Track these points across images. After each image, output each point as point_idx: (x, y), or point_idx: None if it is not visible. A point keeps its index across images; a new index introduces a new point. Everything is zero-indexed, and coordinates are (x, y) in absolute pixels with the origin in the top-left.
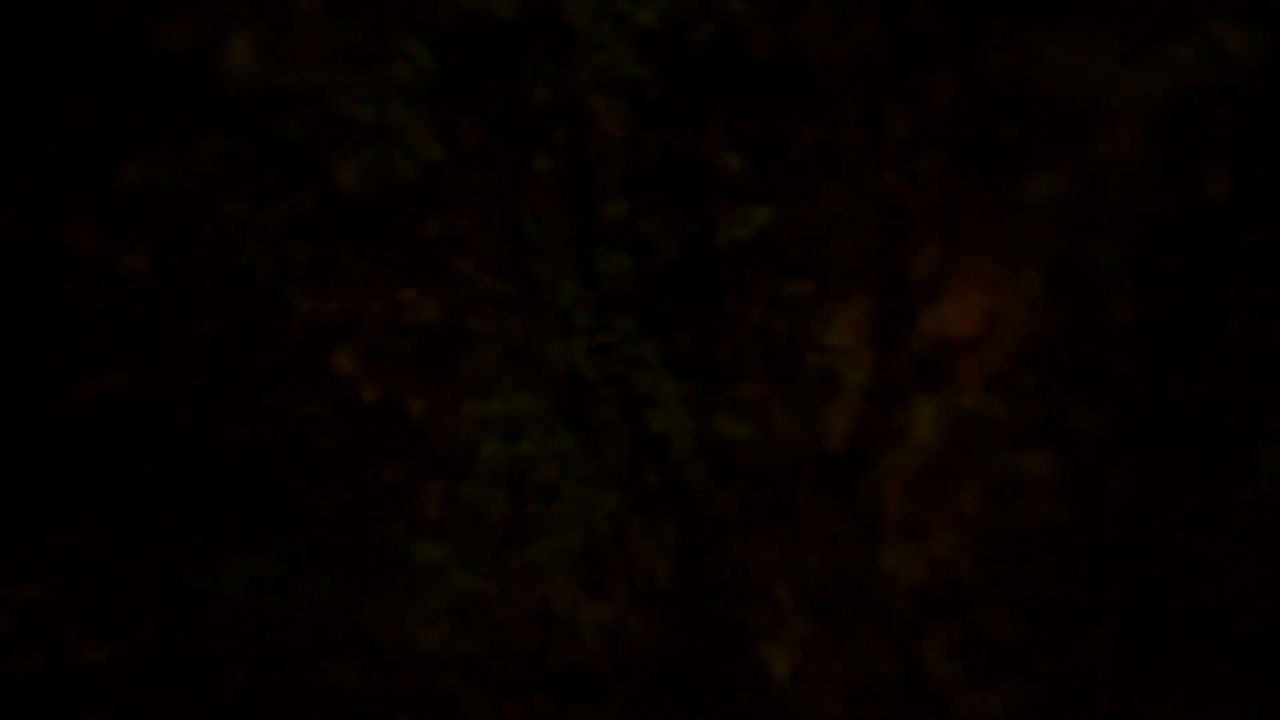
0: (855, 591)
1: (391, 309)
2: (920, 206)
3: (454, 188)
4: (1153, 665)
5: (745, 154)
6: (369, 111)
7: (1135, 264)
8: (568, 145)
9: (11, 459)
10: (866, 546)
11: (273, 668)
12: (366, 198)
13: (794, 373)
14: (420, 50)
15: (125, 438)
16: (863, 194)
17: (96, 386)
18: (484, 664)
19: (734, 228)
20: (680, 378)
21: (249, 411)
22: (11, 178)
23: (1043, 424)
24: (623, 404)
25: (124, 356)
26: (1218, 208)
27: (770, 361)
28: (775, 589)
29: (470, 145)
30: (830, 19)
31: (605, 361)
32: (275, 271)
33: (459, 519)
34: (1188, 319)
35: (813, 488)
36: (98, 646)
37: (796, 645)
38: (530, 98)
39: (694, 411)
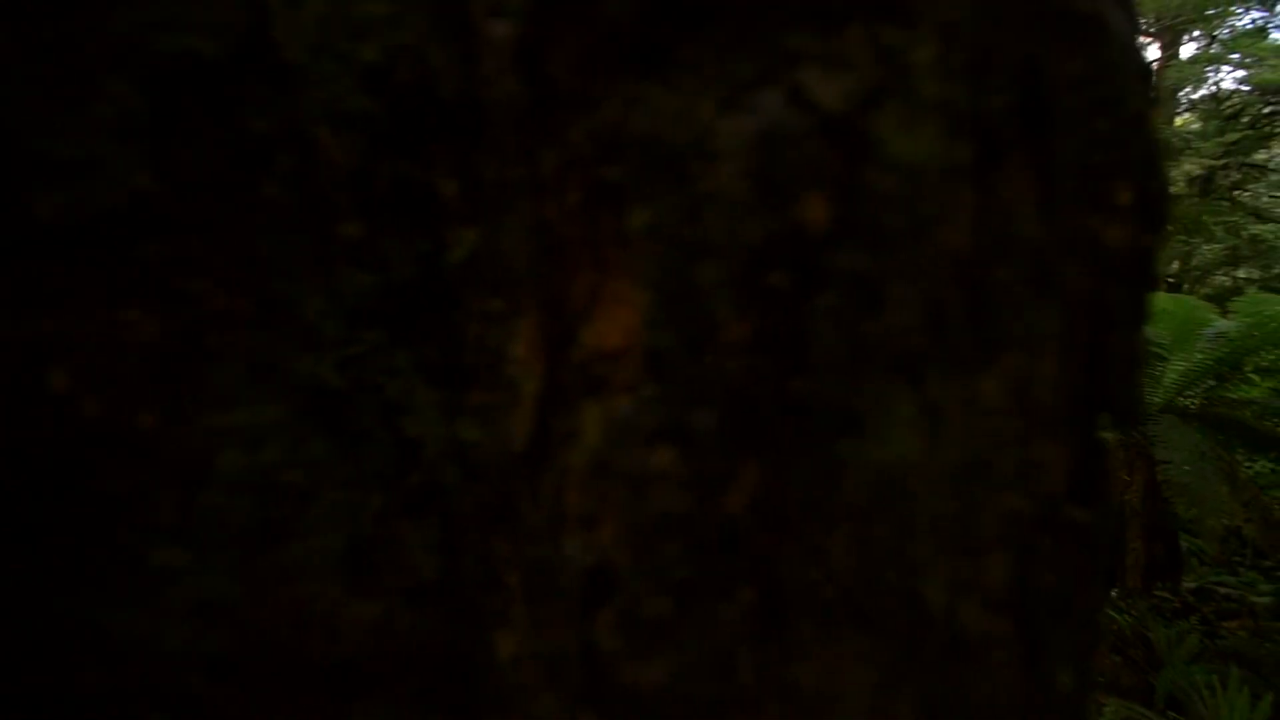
0: (548, 578)
1: (111, 329)
2: (573, 234)
3: (175, 213)
4: (781, 633)
5: (459, 181)
6: (68, 148)
7: (738, 284)
8: (295, 172)
9: None
10: (553, 537)
11: (10, 671)
12: (74, 225)
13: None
14: (126, 88)
15: None
16: (529, 222)
17: None
18: (235, 663)
19: (454, 249)
20: (432, 385)
21: None
22: None
23: (666, 425)
24: (380, 411)
25: None
26: (814, 232)
27: (490, 371)
28: (508, 578)
29: (189, 174)
30: (493, 69)
31: (358, 372)
32: None
33: (198, 525)
34: (788, 331)
35: (525, 486)
36: None
37: (518, 629)
38: (251, 129)
39: (444, 417)
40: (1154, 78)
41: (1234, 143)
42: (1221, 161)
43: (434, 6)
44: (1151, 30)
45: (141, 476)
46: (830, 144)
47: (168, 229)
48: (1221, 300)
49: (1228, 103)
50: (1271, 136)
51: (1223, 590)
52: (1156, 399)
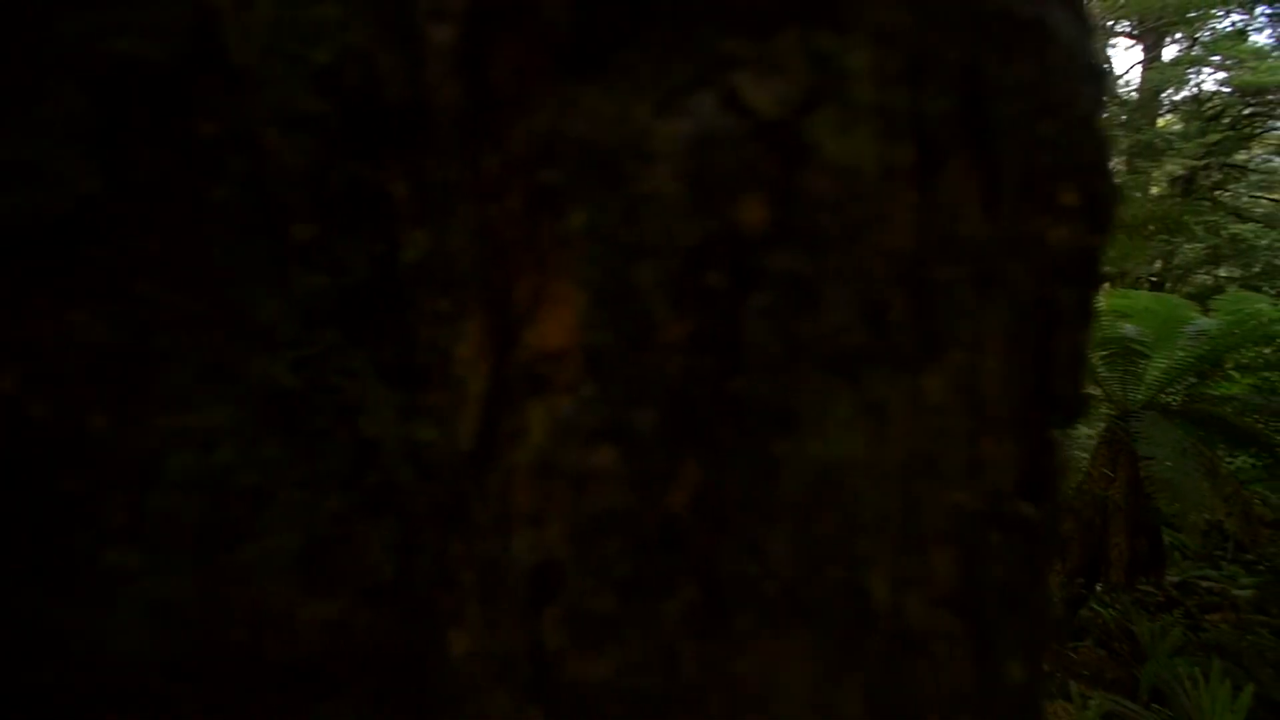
0: (498, 576)
1: (59, 331)
2: (515, 236)
3: (124, 216)
4: (723, 629)
5: (408, 183)
6: (14, 151)
7: (676, 285)
8: (246, 175)
9: None
10: (502, 535)
11: None
12: (20, 229)
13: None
14: (73, 92)
15: None
16: (473, 224)
17: None
18: (191, 664)
19: (407, 250)
20: (389, 386)
21: None
22: None
23: (606, 424)
24: (337, 412)
25: None
26: (751, 234)
27: (440, 372)
28: (462, 577)
29: (139, 177)
30: (436, 72)
31: (314, 373)
32: None
33: (150, 526)
34: (726, 331)
35: (474, 485)
36: None
37: (472, 628)
38: (201, 132)
39: (400, 417)
40: (1105, 79)
41: (1215, 144)
42: (1203, 162)
43: (381, 10)
44: (1135, 33)
45: (92, 478)
46: (766, 147)
47: (117, 232)
48: (1203, 298)
49: (1209, 104)
50: (1252, 137)
51: (1205, 584)
52: (1139, 396)
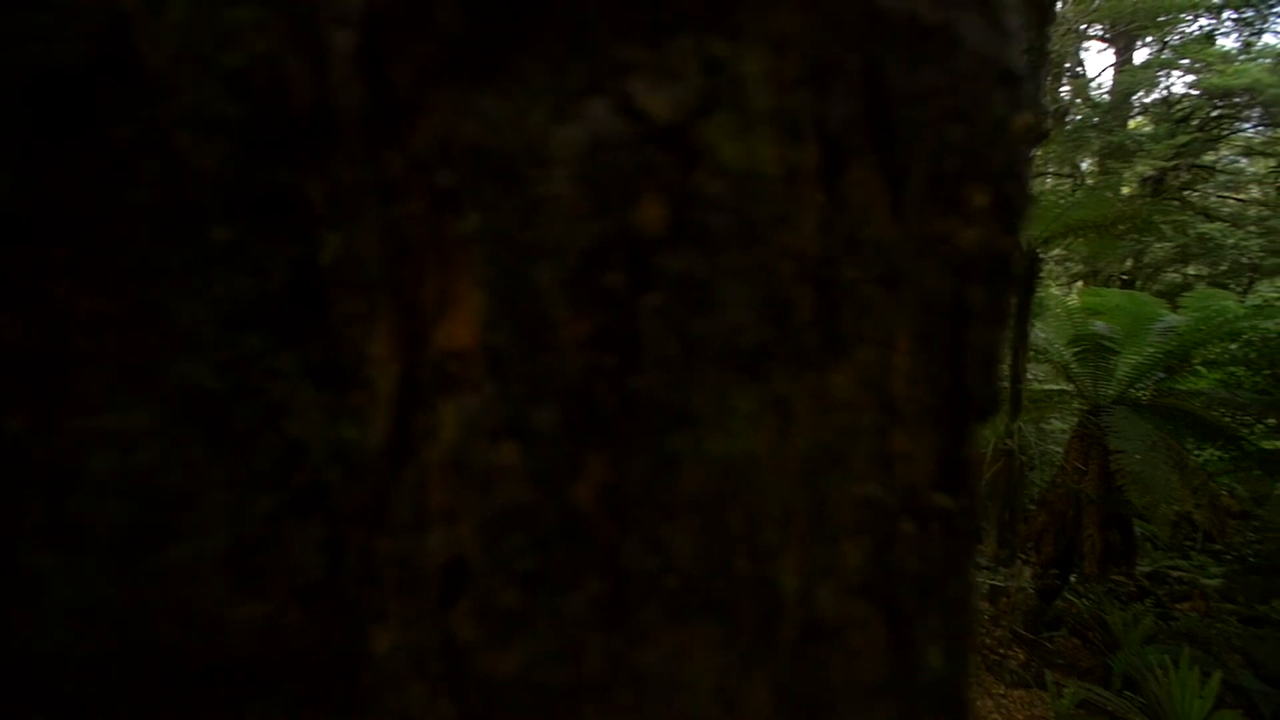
0: (415, 573)
1: None
2: (420, 237)
3: (38, 219)
4: (629, 620)
5: (323, 185)
6: None
7: (575, 284)
8: (161, 178)
9: None
10: (419, 532)
11: None
12: None
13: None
14: None
15: None
16: (381, 225)
17: None
18: (116, 665)
19: (324, 252)
20: (315, 387)
21: None
22: None
23: (508, 421)
24: (263, 413)
25: None
26: (650, 235)
27: (359, 371)
28: (387, 575)
29: (52, 181)
30: (340, 76)
31: (240, 375)
32: None
33: (69, 528)
34: (626, 330)
35: (391, 483)
36: None
37: (394, 624)
38: (113, 136)
39: (327, 418)
40: (1022, 84)
41: (1184, 145)
42: (1172, 163)
43: (289, 14)
44: (1106, 36)
45: (8, 480)
46: (662, 151)
47: (30, 235)
48: (1172, 296)
49: (1178, 106)
50: (1219, 139)
51: (1175, 574)
52: (1110, 391)
